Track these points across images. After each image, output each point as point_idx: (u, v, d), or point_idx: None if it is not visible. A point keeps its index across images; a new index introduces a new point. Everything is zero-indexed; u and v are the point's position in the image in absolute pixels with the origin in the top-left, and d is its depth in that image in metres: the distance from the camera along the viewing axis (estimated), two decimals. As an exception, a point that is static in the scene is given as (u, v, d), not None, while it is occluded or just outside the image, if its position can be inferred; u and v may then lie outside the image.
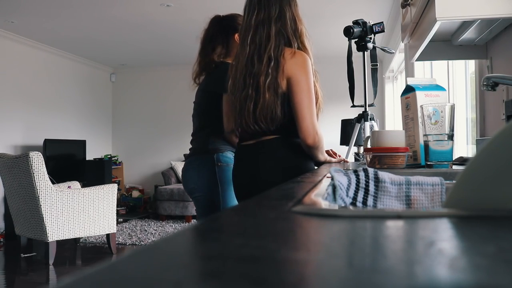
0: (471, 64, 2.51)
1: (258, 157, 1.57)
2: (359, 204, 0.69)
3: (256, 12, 1.56)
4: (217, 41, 1.97)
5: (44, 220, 3.62)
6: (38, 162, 3.62)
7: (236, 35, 1.96)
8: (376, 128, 2.40)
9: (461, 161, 1.41)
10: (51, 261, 3.69)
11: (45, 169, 3.68)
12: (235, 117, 1.59)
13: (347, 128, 3.35)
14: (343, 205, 0.63)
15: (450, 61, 3.01)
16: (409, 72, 3.96)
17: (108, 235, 4.10)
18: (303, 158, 1.58)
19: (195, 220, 6.08)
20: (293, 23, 1.56)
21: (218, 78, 1.87)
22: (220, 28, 1.99)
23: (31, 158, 3.59)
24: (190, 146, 2.02)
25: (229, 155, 1.89)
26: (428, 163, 1.22)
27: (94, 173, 6.13)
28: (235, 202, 1.84)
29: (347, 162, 1.79)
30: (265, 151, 1.56)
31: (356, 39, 2.32)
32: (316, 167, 1.63)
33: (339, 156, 1.78)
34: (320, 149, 1.54)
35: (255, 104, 1.50)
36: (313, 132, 1.49)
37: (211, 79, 1.95)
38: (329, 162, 1.68)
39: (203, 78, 2.00)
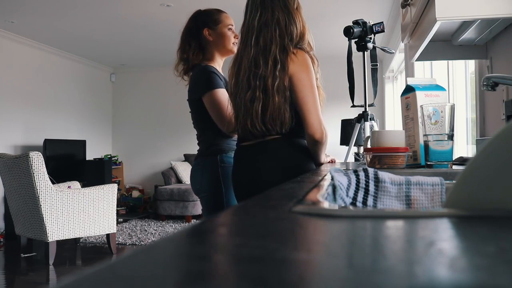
0: (471, 64, 2.51)
1: (258, 158, 1.57)
2: (359, 204, 0.69)
3: (259, 13, 1.56)
4: (193, 36, 1.99)
5: (44, 220, 3.62)
6: (38, 162, 3.62)
7: (205, 30, 1.97)
8: (376, 128, 2.40)
9: (461, 161, 1.41)
10: (51, 261, 3.69)
11: (45, 169, 3.68)
12: (240, 118, 1.59)
13: (347, 128, 3.35)
14: (343, 205, 0.63)
15: (450, 61, 3.01)
16: (409, 72, 3.96)
17: (108, 235, 4.10)
18: (304, 158, 1.59)
19: (195, 220, 6.08)
20: (297, 26, 1.56)
21: (193, 84, 1.93)
22: (194, 24, 2.00)
23: (31, 158, 3.59)
24: (197, 148, 2.04)
25: (233, 156, 1.90)
26: (428, 163, 1.22)
27: (94, 173, 6.13)
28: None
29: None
30: (266, 151, 1.56)
31: (356, 39, 2.32)
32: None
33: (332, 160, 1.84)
34: (325, 146, 1.56)
35: (263, 106, 1.51)
36: (321, 126, 1.52)
37: (189, 87, 1.97)
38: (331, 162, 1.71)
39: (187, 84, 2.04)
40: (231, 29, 2.01)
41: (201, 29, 1.98)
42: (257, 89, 1.52)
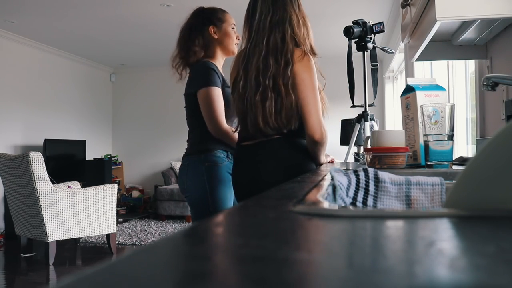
0: (471, 64, 2.51)
1: (259, 158, 1.57)
2: (359, 204, 0.69)
3: (272, 14, 1.58)
4: (196, 32, 1.99)
5: (44, 220, 3.62)
6: (38, 162, 3.62)
7: (211, 28, 1.98)
8: (376, 128, 2.40)
9: (461, 161, 1.41)
10: (51, 261, 3.69)
11: (45, 169, 3.68)
12: (250, 117, 1.57)
13: (347, 128, 3.35)
14: (343, 205, 0.63)
15: (450, 61, 3.01)
16: (409, 72, 3.96)
17: (108, 235, 4.10)
18: (305, 158, 1.59)
19: (195, 220, 6.08)
20: (304, 27, 1.59)
21: (191, 79, 1.94)
22: (199, 20, 2.01)
23: (31, 158, 3.59)
24: None
25: (218, 154, 1.89)
26: (428, 163, 1.22)
27: (94, 173, 6.12)
28: (224, 201, 1.86)
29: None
30: (266, 151, 1.56)
31: (356, 39, 2.32)
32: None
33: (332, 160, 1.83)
34: (325, 146, 1.57)
35: (276, 105, 1.52)
36: (320, 127, 1.53)
37: (187, 81, 1.97)
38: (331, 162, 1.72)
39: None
40: (234, 28, 2.02)
41: (206, 26, 1.98)
42: (267, 88, 1.52)
